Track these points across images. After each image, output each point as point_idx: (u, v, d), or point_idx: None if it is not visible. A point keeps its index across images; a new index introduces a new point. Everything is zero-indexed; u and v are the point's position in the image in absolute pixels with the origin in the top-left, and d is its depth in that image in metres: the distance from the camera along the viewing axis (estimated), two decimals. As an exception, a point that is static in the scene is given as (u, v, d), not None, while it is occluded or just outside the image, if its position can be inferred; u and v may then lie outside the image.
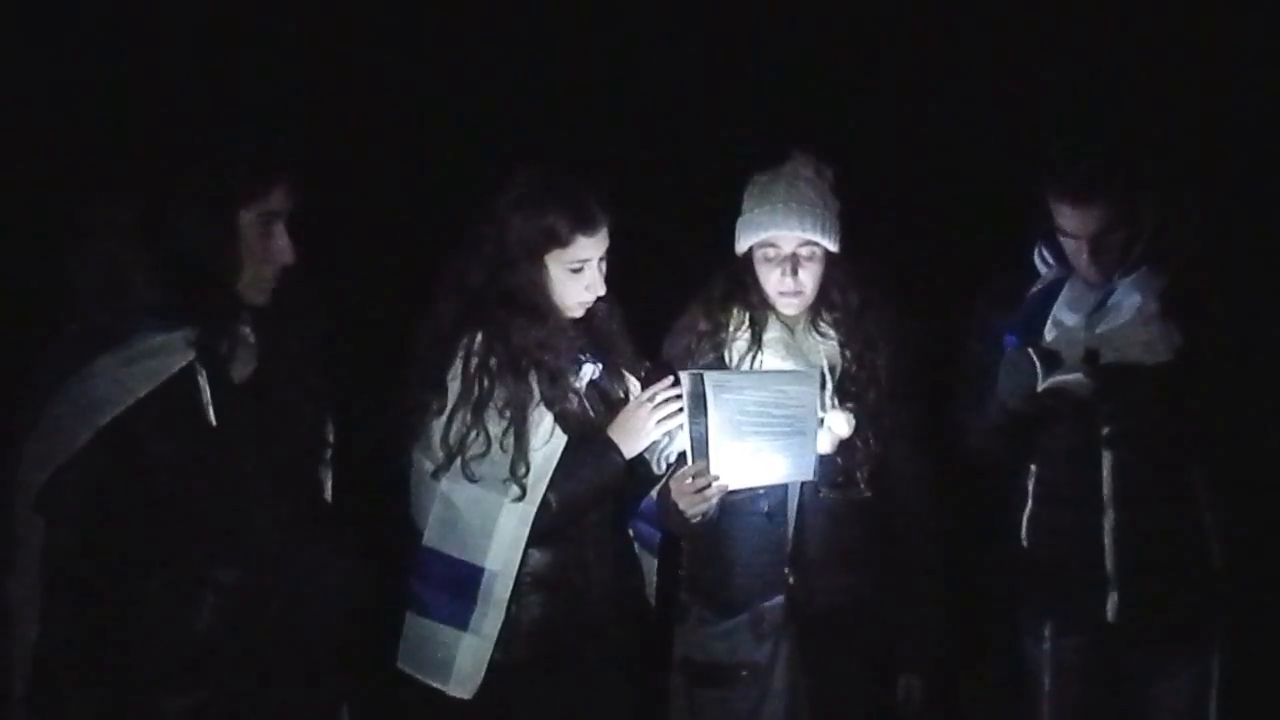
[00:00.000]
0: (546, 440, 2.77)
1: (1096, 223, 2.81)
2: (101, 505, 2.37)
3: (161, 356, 2.38)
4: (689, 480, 2.80)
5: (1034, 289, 2.97)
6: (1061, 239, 2.88)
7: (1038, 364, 2.82)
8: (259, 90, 3.35)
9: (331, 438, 2.66)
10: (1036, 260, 2.99)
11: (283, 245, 2.46)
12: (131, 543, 2.40)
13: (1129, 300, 2.85)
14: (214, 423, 2.41)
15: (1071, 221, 2.82)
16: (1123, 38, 3.67)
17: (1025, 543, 2.97)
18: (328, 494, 2.66)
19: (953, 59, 3.75)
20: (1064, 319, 2.89)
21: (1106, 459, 2.87)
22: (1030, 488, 2.97)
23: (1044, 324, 2.90)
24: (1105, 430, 2.86)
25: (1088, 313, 2.88)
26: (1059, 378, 2.81)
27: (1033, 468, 2.97)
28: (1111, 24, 3.68)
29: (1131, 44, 3.66)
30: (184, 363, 2.39)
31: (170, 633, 2.43)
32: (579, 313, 2.86)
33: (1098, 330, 2.85)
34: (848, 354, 2.98)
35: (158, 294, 2.41)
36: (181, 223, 2.39)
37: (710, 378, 2.79)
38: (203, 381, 2.41)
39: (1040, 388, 2.81)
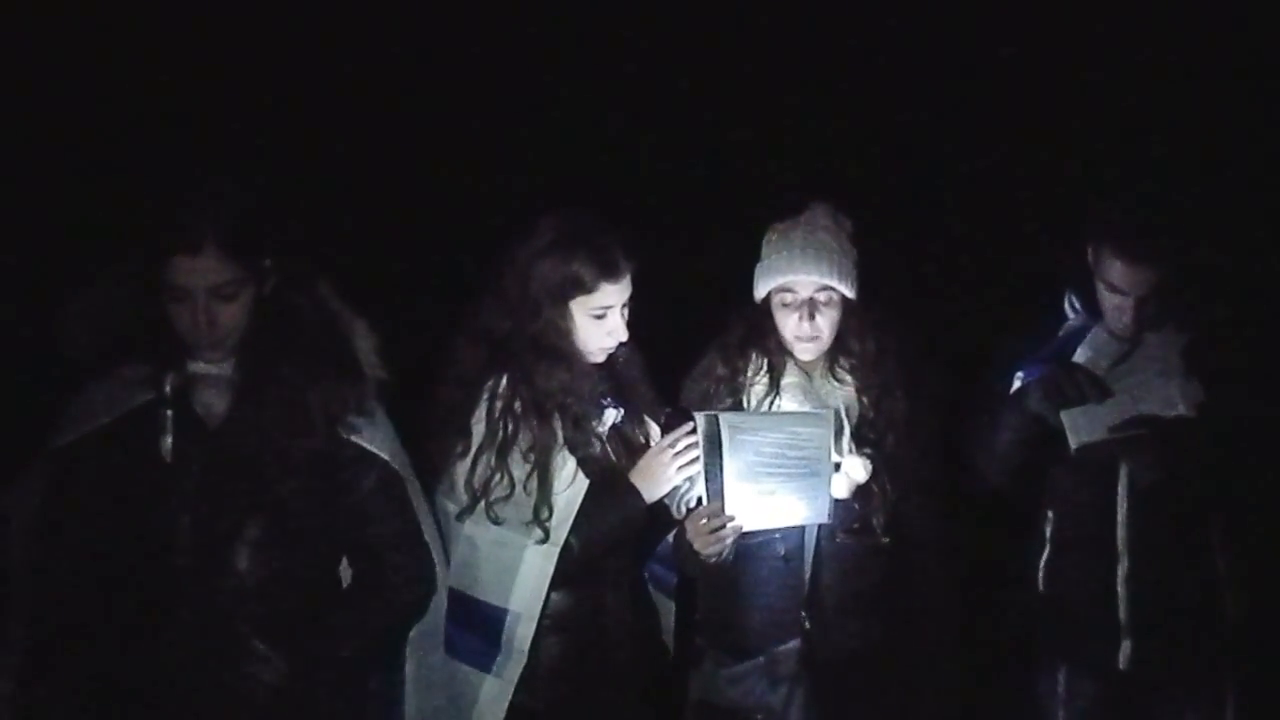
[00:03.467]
0: (569, 484, 2.79)
1: (1148, 283, 2.80)
2: (43, 526, 2.46)
3: (124, 387, 2.46)
4: (704, 521, 2.82)
5: (1059, 335, 2.98)
6: (1104, 293, 2.87)
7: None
8: (274, 133, 3.40)
9: (380, 492, 2.64)
10: (1066, 307, 3.01)
11: (192, 318, 2.44)
12: (77, 563, 2.47)
13: (1153, 355, 2.85)
14: (168, 460, 2.45)
15: (1124, 279, 2.82)
16: (1155, 92, 3.69)
17: (1042, 588, 2.99)
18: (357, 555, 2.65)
19: (974, 110, 3.78)
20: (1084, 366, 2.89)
21: (1121, 508, 2.88)
22: (1048, 534, 2.98)
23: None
24: (1120, 479, 2.88)
25: (1110, 364, 2.88)
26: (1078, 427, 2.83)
27: (1050, 514, 2.98)
28: (1143, 77, 3.71)
29: (1167, 101, 3.68)
30: (146, 397, 2.46)
31: (110, 665, 2.48)
32: (601, 357, 2.88)
33: (1118, 382, 2.86)
34: (865, 400, 2.99)
35: (135, 334, 2.48)
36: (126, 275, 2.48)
37: (725, 419, 2.81)
38: (166, 418, 2.45)
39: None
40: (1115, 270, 2.82)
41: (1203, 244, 2.87)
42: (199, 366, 2.50)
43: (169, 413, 2.45)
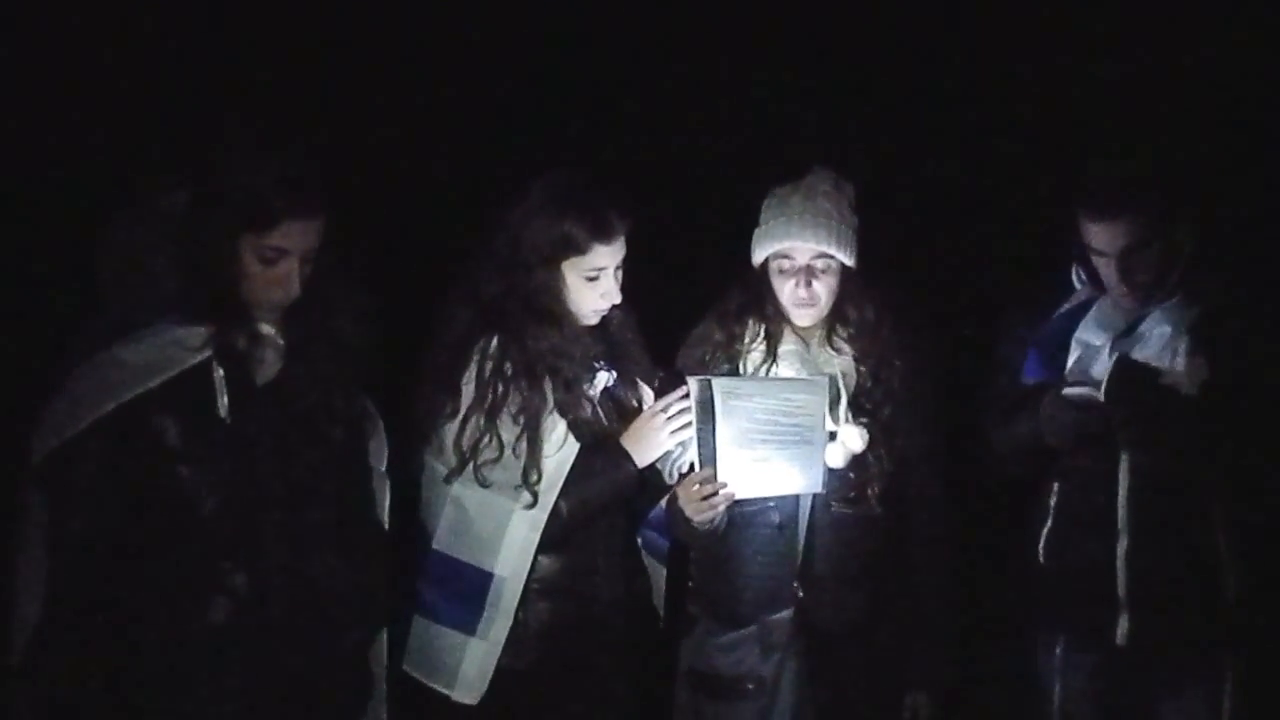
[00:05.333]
0: (559, 447, 2.78)
1: (1123, 238, 2.80)
2: (104, 489, 2.41)
3: (178, 349, 2.43)
4: (696, 487, 2.80)
5: (1064, 306, 2.97)
6: (1092, 258, 2.87)
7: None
8: (290, 107, 3.38)
9: (376, 454, 2.68)
10: (1074, 279, 2.99)
11: (281, 279, 2.45)
12: (137, 530, 2.43)
13: (1158, 330, 2.83)
14: (226, 420, 2.44)
15: (1099, 238, 2.82)
16: (1159, 57, 3.66)
17: (1042, 560, 2.96)
18: (375, 512, 2.67)
19: (977, 76, 3.75)
20: (1088, 338, 2.89)
21: (1123, 484, 2.86)
22: (1051, 505, 2.96)
23: (1069, 340, 2.90)
24: (1123, 456, 2.85)
25: (1114, 336, 2.87)
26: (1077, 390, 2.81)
27: (1055, 485, 2.96)
28: (1147, 42, 3.67)
29: (1168, 65, 3.65)
30: (200, 357, 2.43)
31: (178, 629, 2.45)
32: (594, 320, 2.86)
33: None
34: (862, 369, 2.97)
35: (180, 289, 2.46)
36: (195, 230, 2.45)
37: (718, 384, 2.79)
38: (219, 378, 2.43)
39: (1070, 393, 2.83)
40: (1092, 232, 2.83)
41: (1181, 201, 2.84)
42: (261, 327, 2.50)
43: (221, 372, 2.44)
